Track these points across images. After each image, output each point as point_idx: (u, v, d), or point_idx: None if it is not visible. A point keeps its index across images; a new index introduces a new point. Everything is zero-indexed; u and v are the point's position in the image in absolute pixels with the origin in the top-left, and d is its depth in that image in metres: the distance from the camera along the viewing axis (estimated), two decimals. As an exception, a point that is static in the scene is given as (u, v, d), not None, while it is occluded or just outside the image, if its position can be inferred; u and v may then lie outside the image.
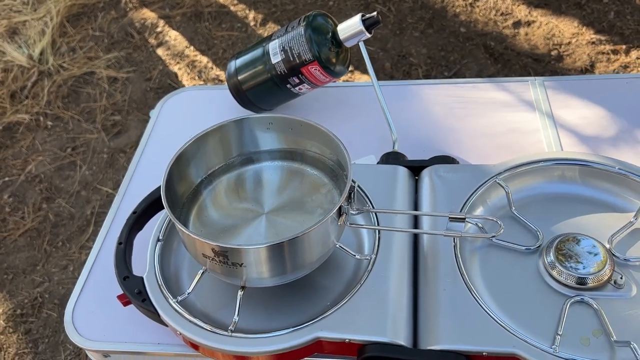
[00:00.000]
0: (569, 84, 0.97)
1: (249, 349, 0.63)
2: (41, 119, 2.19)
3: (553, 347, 0.60)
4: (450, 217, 0.62)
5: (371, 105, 0.96)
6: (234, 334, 0.64)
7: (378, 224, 0.72)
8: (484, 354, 0.60)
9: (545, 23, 2.22)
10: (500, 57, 2.13)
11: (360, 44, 0.88)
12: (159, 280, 0.69)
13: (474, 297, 0.64)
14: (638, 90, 0.94)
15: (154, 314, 0.68)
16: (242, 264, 0.61)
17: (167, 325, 0.69)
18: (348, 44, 0.88)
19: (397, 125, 0.90)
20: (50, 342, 1.64)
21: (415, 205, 0.77)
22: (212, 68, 2.27)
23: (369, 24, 0.85)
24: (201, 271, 0.69)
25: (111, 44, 2.44)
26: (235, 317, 0.65)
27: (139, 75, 2.31)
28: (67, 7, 2.57)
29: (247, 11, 2.48)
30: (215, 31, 2.42)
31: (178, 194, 0.71)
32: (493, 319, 0.62)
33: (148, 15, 2.54)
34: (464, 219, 0.62)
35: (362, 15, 0.85)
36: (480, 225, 0.72)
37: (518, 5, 2.30)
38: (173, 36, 2.43)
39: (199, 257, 0.64)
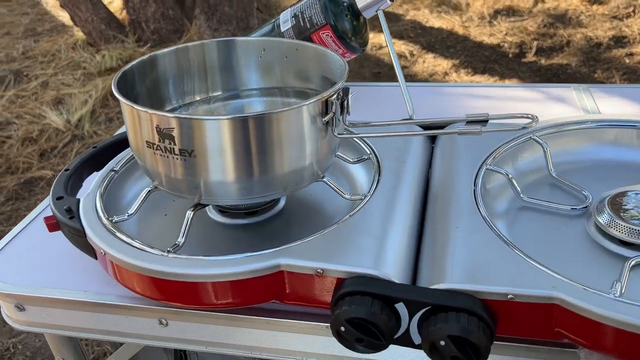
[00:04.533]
0: (614, 90, 0.84)
1: (188, 270, 0.46)
2: (63, 175, 2.16)
3: (612, 290, 0.41)
4: (468, 120, 0.48)
5: (390, 99, 0.86)
6: (171, 255, 0.48)
7: (377, 158, 0.57)
8: (508, 297, 0.42)
9: None
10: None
11: (379, 13, 0.80)
12: (97, 203, 0.55)
13: (498, 236, 0.47)
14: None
15: (80, 238, 0.53)
16: (192, 151, 0.47)
17: (95, 256, 0.53)
18: (367, 14, 0.80)
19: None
20: (12, 396, 1.43)
21: (430, 166, 0.62)
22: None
23: (389, -10, 0.77)
24: (148, 189, 0.55)
25: (147, 117, 2.47)
26: (180, 239, 0.50)
27: (168, 144, 2.29)
28: (113, 84, 2.66)
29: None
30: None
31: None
32: (524, 258, 0.45)
33: (188, 96, 2.60)
34: (486, 120, 0.47)
35: (383, -18, 0.78)
36: (510, 175, 0.57)
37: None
38: (209, 114, 2.45)
39: (143, 151, 0.50)
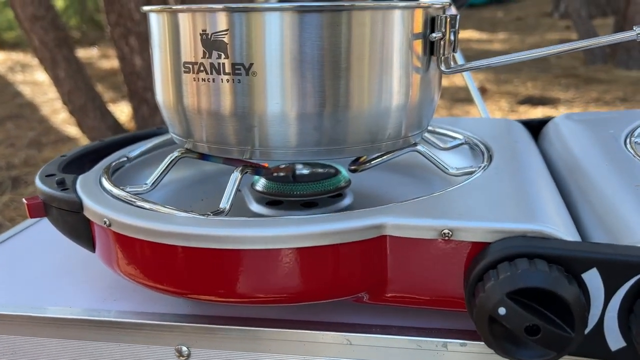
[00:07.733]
0: None
1: (243, 231, 0.30)
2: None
3: None
4: None
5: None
6: (219, 217, 0.32)
7: (479, 141, 0.43)
8: None
9: None
10: None
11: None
12: (102, 178, 0.40)
13: None
14: None
15: (72, 215, 0.36)
16: (251, 65, 0.32)
17: (93, 246, 0.37)
18: None
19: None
20: None
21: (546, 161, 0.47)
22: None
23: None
24: (175, 154, 0.39)
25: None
26: (224, 204, 0.34)
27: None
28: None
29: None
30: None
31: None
32: None
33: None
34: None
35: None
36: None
37: None
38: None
39: (178, 84, 0.35)
